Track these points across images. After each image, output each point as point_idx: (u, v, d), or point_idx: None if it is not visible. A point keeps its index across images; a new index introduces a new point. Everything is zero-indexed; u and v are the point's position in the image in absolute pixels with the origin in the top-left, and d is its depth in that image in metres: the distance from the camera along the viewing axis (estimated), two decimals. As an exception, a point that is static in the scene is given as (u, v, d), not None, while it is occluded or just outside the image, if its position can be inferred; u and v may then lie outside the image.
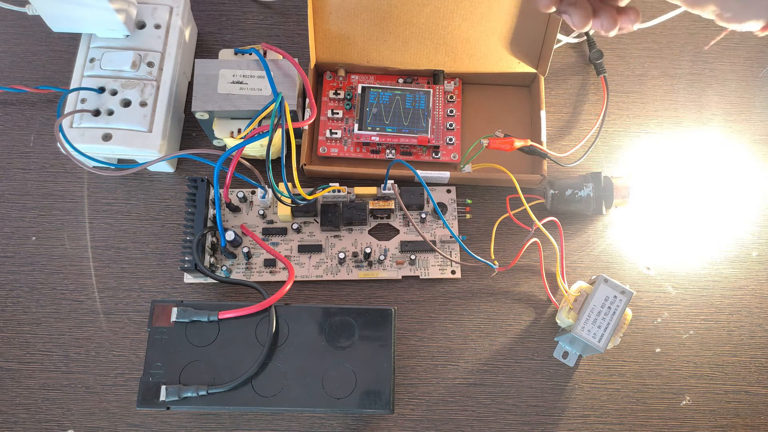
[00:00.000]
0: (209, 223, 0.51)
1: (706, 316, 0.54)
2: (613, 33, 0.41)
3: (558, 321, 0.51)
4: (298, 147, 0.54)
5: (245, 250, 0.51)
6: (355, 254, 0.53)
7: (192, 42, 0.58)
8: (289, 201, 0.50)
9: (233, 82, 0.50)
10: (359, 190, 0.53)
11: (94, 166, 0.51)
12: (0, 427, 0.49)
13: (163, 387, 0.44)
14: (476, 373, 0.51)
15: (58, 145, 0.49)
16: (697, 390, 0.52)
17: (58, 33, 0.55)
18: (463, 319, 0.52)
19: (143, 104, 0.51)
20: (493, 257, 0.52)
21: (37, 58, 0.59)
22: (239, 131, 0.51)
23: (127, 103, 0.51)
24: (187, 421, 0.49)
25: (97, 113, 0.51)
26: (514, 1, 0.52)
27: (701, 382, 0.52)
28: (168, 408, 0.44)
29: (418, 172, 0.52)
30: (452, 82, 0.57)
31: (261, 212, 0.53)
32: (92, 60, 0.53)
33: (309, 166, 0.54)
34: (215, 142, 0.55)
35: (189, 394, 0.44)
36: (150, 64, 0.52)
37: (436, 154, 0.55)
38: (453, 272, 0.53)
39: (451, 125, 0.56)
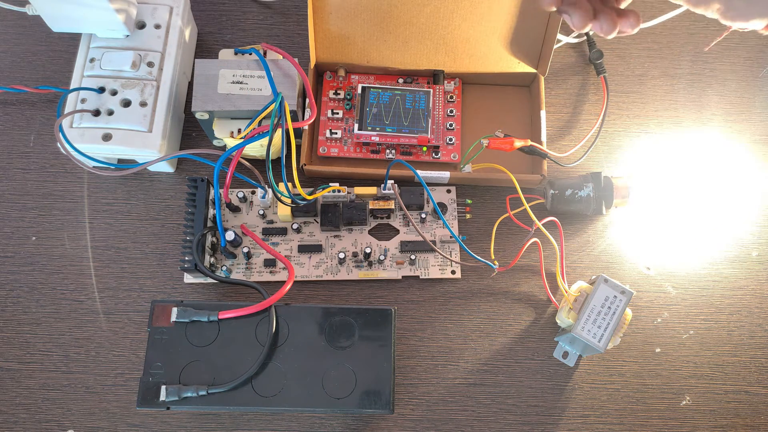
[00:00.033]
0: (209, 223, 0.51)
1: (706, 316, 0.54)
2: (611, 36, 0.41)
3: (558, 321, 0.51)
4: (298, 147, 0.54)
5: (245, 250, 0.51)
6: (355, 254, 0.53)
7: (192, 42, 0.58)
8: (289, 201, 0.50)
9: (233, 82, 0.50)
10: (359, 190, 0.53)
11: (94, 166, 0.51)
12: (0, 427, 0.49)
13: (163, 387, 0.44)
14: (476, 373, 0.51)
15: (58, 145, 0.49)
16: (697, 390, 0.52)
17: (58, 33, 0.55)
18: (463, 319, 0.52)
19: (143, 104, 0.51)
20: (493, 257, 0.52)
21: (37, 58, 0.59)
22: (239, 131, 0.51)
23: (127, 103, 0.51)
24: (187, 421, 0.49)
25: (97, 113, 0.51)
26: (514, 1, 0.52)
27: (701, 382, 0.52)
28: (168, 408, 0.44)
29: (418, 172, 0.52)
30: (452, 82, 0.57)
31: (261, 212, 0.53)
32: (92, 60, 0.53)
33: (309, 166, 0.54)
34: (215, 142, 0.55)
35: (189, 394, 0.44)
36: (150, 64, 0.52)
37: (436, 154, 0.55)
38: (453, 272, 0.53)
39: (451, 125, 0.56)
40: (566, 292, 0.50)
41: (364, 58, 0.56)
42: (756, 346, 0.53)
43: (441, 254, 0.52)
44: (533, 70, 0.56)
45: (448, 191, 0.55)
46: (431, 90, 0.56)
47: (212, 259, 0.52)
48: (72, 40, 0.58)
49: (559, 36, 0.59)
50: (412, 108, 0.55)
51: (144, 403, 0.44)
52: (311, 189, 0.51)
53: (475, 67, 0.56)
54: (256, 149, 0.52)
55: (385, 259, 0.53)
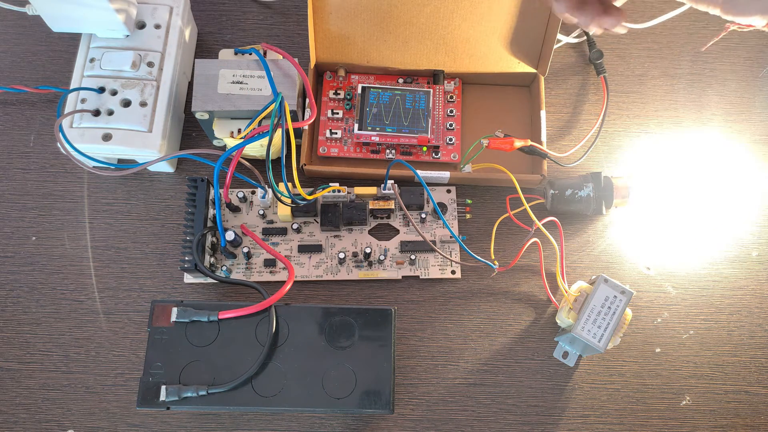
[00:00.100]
0: (209, 223, 0.51)
1: (706, 316, 0.54)
2: (593, 30, 0.41)
3: (558, 321, 0.51)
4: (298, 147, 0.54)
5: (245, 250, 0.51)
6: (355, 254, 0.53)
7: (192, 42, 0.58)
8: (289, 201, 0.50)
9: (233, 82, 0.50)
10: (359, 190, 0.53)
11: (94, 166, 0.51)
12: (0, 427, 0.49)
13: (163, 387, 0.44)
14: (476, 373, 0.51)
15: (58, 145, 0.49)
16: (697, 390, 0.52)
17: (58, 33, 0.55)
18: (463, 319, 0.52)
19: (143, 104, 0.51)
20: (493, 257, 0.52)
21: (37, 58, 0.59)
22: (239, 131, 0.51)
23: (127, 103, 0.52)
24: (187, 421, 0.49)
25: (97, 113, 0.51)
26: (514, 1, 0.52)
27: (701, 382, 0.52)
28: (168, 408, 0.44)
29: (418, 172, 0.52)
30: (452, 82, 0.57)
31: (261, 212, 0.53)
32: (92, 60, 0.53)
33: (309, 166, 0.54)
34: (215, 142, 0.55)
35: (189, 394, 0.44)
36: (150, 64, 0.52)
37: (436, 154, 0.55)
38: (453, 272, 0.53)
39: (451, 125, 0.56)
40: (566, 292, 0.50)
41: (364, 58, 0.56)
42: (756, 346, 0.53)
43: (441, 254, 0.52)
44: (533, 70, 0.56)
45: (448, 191, 0.55)
46: (431, 90, 0.56)
47: (212, 259, 0.52)
48: (72, 40, 0.58)
49: (559, 36, 0.59)
50: (412, 108, 0.55)
51: (144, 403, 0.44)
52: (311, 189, 0.51)
53: (475, 67, 0.56)
54: (256, 149, 0.52)
55: (385, 259, 0.53)
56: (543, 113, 0.55)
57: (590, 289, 0.49)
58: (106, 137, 0.51)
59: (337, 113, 0.56)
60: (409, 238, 0.54)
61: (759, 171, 0.58)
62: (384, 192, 0.53)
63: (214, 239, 0.52)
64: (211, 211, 0.52)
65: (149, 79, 0.52)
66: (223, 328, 0.46)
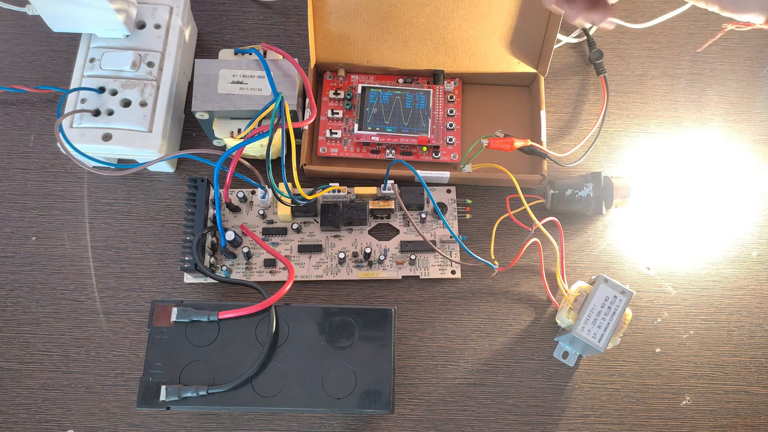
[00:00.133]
0: (209, 223, 0.51)
1: (706, 316, 0.54)
2: (580, 23, 0.42)
3: (558, 321, 0.51)
4: (298, 147, 0.54)
5: (245, 250, 0.51)
6: (355, 254, 0.53)
7: (192, 42, 0.58)
8: (289, 201, 0.50)
9: (233, 82, 0.50)
10: (359, 190, 0.53)
11: (94, 166, 0.51)
12: (0, 427, 0.49)
13: (163, 387, 0.44)
14: (476, 373, 0.51)
15: (58, 145, 0.49)
16: (697, 390, 0.52)
17: (58, 33, 0.55)
18: (463, 319, 0.52)
19: (143, 104, 0.51)
20: (493, 257, 0.52)
21: (37, 58, 0.59)
22: (239, 131, 0.51)
23: (127, 103, 0.51)
24: (187, 421, 0.49)
25: (97, 113, 0.51)
26: (514, 1, 0.52)
27: (701, 382, 0.52)
28: (168, 408, 0.44)
29: (418, 172, 0.52)
30: (452, 82, 0.57)
31: (261, 212, 0.53)
32: (92, 60, 0.53)
33: (309, 166, 0.54)
34: (215, 142, 0.55)
35: (189, 394, 0.44)
36: (150, 64, 0.52)
37: (436, 154, 0.55)
38: (453, 272, 0.53)
39: (451, 125, 0.56)
40: (566, 292, 0.50)
41: (364, 58, 0.56)
42: (756, 346, 0.53)
43: (441, 254, 0.52)
44: (533, 70, 0.56)
45: (448, 191, 0.55)
46: (431, 90, 0.56)
47: (212, 259, 0.52)
48: (72, 40, 0.58)
49: (559, 36, 0.59)
50: (412, 108, 0.55)
51: (144, 403, 0.44)
52: (311, 189, 0.51)
53: (475, 67, 0.56)
54: (256, 149, 0.52)
55: (385, 259, 0.53)
56: (543, 113, 0.55)
57: (590, 289, 0.49)
58: (106, 137, 0.51)
59: (337, 113, 0.56)
60: (409, 238, 0.54)
61: (759, 171, 0.58)
62: (384, 192, 0.53)
63: (214, 239, 0.52)
64: (211, 211, 0.52)
65: (149, 79, 0.52)
66: (223, 328, 0.46)
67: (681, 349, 0.53)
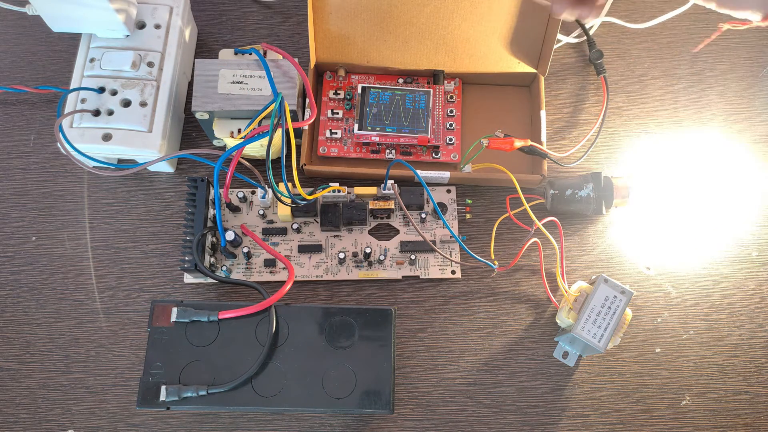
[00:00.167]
0: (209, 223, 0.51)
1: (706, 316, 0.54)
2: (566, 18, 0.42)
3: (558, 321, 0.51)
4: (298, 147, 0.54)
5: (245, 250, 0.51)
6: (355, 254, 0.53)
7: (192, 42, 0.58)
8: (289, 201, 0.50)
9: (233, 82, 0.50)
10: (359, 190, 0.53)
11: (94, 166, 0.51)
12: (0, 427, 0.49)
13: (163, 387, 0.44)
14: (476, 373, 0.51)
15: (58, 145, 0.49)
16: (697, 390, 0.52)
17: (58, 33, 0.55)
18: (463, 319, 0.52)
19: (143, 104, 0.51)
20: (493, 257, 0.52)
21: (37, 58, 0.59)
22: (239, 131, 0.51)
23: (127, 103, 0.52)
24: (187, 421, 0.49)
25: (97, 113, 0.51)
26: (514, 1, 0.52)
27: (701, 382, 0.52)
28: (168, 408, 0.44)
29: (418, 172, 0.52)
30: (452, 82, 0.57)
31: (261, 212, 0.53)
32: (92, 60, 0.53)
33: (309, 166, 0.54)
34: (215, 142, 0.55)
35: (189, 394, 0.44)
36: (150, 64, 0.52)
37: (436, 154, 0.55)
38: (453, 272, 0.53)
39: (451, 125, 0.56)
40: (566, 292, 0.50)
41: (364, 58, 0.56)
42: (756, 346, 0.53)
43: (441, 254, 0.52)
44: (533, 70, 0.56)
45: (448, 191, 0.55)
46: (431, 90, 0.56)
47: (212, 259, 0.52)
48: (72, 40, 0.58)
49: (559, 36, 0.59)
50: (412, 108, 0.55)
51: (144, 403, 0.44)
52: (311, 189, 0.51)
53: (475, 67, 0.56)
54: (256, 149, 0.52)
55: (385, 259, 0.53)
56: (543, 113, 0.55)
57: (590, 289, 0.49)
58: (106, 137, 0.51)
59: (337, 113, 0.56)
60: (409, 238, 0.54)
61: (759, 171, 0.58)
62: (384, 192, 0.53)
63: (214, 239, 0.52)
64: (211, 211, 0.52)
65: (149, 79, 0.52)
66: (223, 328, 0.46)
67: (681, 349, 0.53)
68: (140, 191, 0.55)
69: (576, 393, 0.51)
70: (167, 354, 0.45)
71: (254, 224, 0.53)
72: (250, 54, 0.53)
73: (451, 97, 0.57)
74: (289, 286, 0.46)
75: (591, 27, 0.60)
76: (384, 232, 0.54)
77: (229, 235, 0.50)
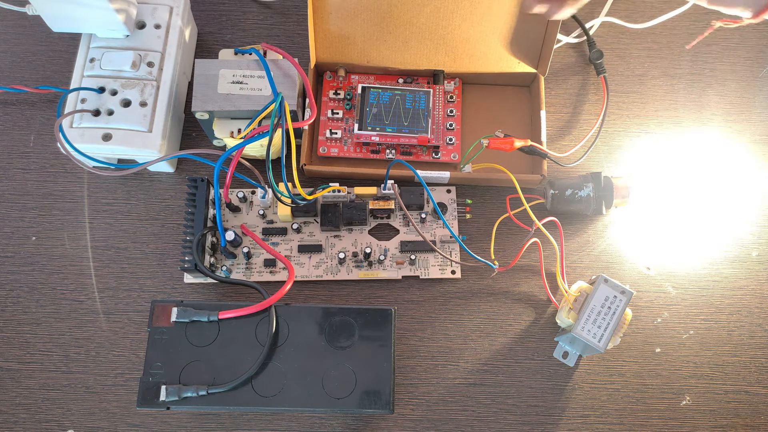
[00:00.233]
0: (209, 223, 0.51)
1: (706, 316, 0.54)
2: (537, 12, 0.42)
3: (558, 321, 0.51)
4: (298, 147, 0.54)
5: (245, 250, 0.51)
6: (355, 254, 0.53)
7: (192, 42, 0.58)
8: (289, 201, 0.50)
9: (233, 82, 0.50)
10: (359, 190, 0.53)
11: (94, 166, 0.51)
12: (0, 427, 0.49)
13: (163, 387, 0.44)
14: (476, 373, 0.51)
15: (58, 145, 0.49)
16: (697, 390, 0.52)
17: (58, 33, 0.55)
18: (463, 319, 0.52)
19: (143, 104, 0.51)
20: (493, 257, 0.52)
21: (37, 58, 0.59)
22: (239, 131, 0.51)
23: (127, 103, 0.51)
24: (187, 421, 0.49)
25: (97, 113, 0.51)
26: (514, 1, 0.52)
27: (701, 382, 0.52)
28: (168, 408, 0.44)
29: (418, 172, 0.52)
30: (452, 82, 0.57)
31: (261, 212, 0.53)
32: (92, 60, 0.53)
33: (309, 166, 0.54)
34: (215, 142, 0.55)
35: (189, 394, 0.44)
36: (150, 64, 0.52)
37: (436, 154, 0.55)
38: (453, 272, 0.53)
39: (451, 125, 0.56)
40: (566, 292, 0.50)
41: (364, 58, 0.56)
42: (756, 346, 0.53)
43: (441, 254, 0.52)
44: (533, 70, 0.56)
45: (448, 191, 0.55)
46: (431, 90, 0.56)
47: (212, 259, 0.52)
48: (72, 40, 0.58)
49: (559, 36, 0.59)
50: (412, 108, 0.55)
51: (144, 403, 0.44)
52: (311, 189, 0.51)
53: (475, 67, 0.56)
54: (256, 149, 0.52)
55: (385, 259, 0.53)
56: (543, 113, 0.55)
57: (590, 289, 0.49)
58: (106, 137, 0.51)
59: (337, 113, 0.56)
60: (409, 238, 0.54)
61: (759, 171, 0.58)
62: (384, 192, 0.53)
63: (214, 239, 0.52)
64: (211, 211, 0.52)
65: (149, 79, 0.52)
66: (223, 328, 0.46)
67: (681, 349, 0.53)
68: (140, 191, 0.55)
69: (576, 393, 0.51)
70: (167, 354, 0.45)
71: (254, 224, 0.53)
72: (250, 54, 0.53)
73: (451, 97, 0.57)
74: (289, 286, 0.46)
75: (591, 27, 0.60)
76: (384, 232, 0.54)
77: (229, 235, 0.50)
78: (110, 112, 0.51)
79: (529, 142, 0.52)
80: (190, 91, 0.57)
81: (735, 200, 0.57)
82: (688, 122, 0.59)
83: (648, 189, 0.55)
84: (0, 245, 0.53)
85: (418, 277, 0.53)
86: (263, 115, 0.49)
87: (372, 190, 0.53)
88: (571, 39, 0.60)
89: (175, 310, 0.46)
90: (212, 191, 0.51)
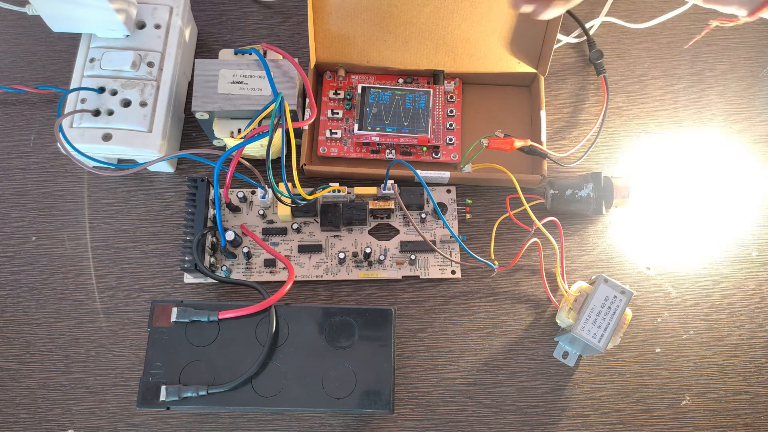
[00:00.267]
0: (209, 223, 0.51)
1: (706, 316, 0.54)
2: (524, 11, 0.42)
3: (558, 321, 0.51)
4: (298, 147, 0.54)
5: (245, 250, 0.51)
6: (355, 254, 0.53)
7: (192, 42, 0.58)
8: (289, 201, 0.50)
9: (233, 82, 0.50)
10: (359, 190, 0.53)
11: (94, 166, 0.51)
12: (0, 427, 0.49)
13: (163, 387, 0.44)
14: (476, 373, 0.51)
15: (58, 145, 0.49)
16: (697, 390, 0.52)
17: (58, 33, 0.55)
18: (463, 319, 0.52)
19: (143, 104, 0.51)
20: (493, 257, 0.52)
21: (37, 58, 0.59)
22: (239, 131, 0.51)
23: (127, 103, 0.51)
24: (187, 421, 0.49)
25: (97, 113, 0.51)
26: (514, 1, 0.52)
27: (701, 382, 0.52)
28: (168, 408, 0.44)
29: (418, 172, 0.52)
30: (452, 82, 0.57)
31: (261, 212, 0.53)
32: (92, 60, 0.53)
33: (309, 166, 0.54)
34: (215, 142, 0.55)
35: (189, 394, 0.44)
36: (150, 64, 0.52)
37: (436, 154, 0.55)
38: (453, 272, 0.53)
39: (451, 125, 0.56)
40: (566, 292, 0.49)
41: (364, 58, 0.56)
42: (756, 346, 0.53)
43: (441, 254, 0.52)
44: (533, 70, 0.56)
45: (448, 191, 0.55)
46: (431, 90, 0.56)
47: (212, 259, 0.52)
48: (72, 40, 0.58)
49: (559, 36, 0.59)
50: (412, 108, 0.55)
51: (144, 403, 0.44)
52: (311, 189, 0.51)
53: (475, 67, 0.56)
54: (256, 149, 0.52)
55: (385, 259, 0.53)
56: (543, 113, 0.55)
57: (590, 289, 0.49)
58: (106, 137, 0.51)
59: (337, 113, 0.56)
60: (409, 238, 0.54)
61: (759, 171, 0.58)
62: (384, 192, 0.53)
63: (214, 239, 0.52)
64: (211, 211, 0.52)
65: (149, 79, 0.52)
66: (223, 328, 0.46)
67: (681, 349, 0.53)
68: (140, 191, 0.55)
69: (576, 393, 0.51)
70: (167, 354, 0.45)
71: (254, 224, 0.53)
72: (250, 54, 0.53)
73: (451, 97, 0.57)
74: (289, 286, 0.46)
75: (591, 27, 0.60)
76: (384, 232, 0.54)
77: (229, 235, 0.50)
78: (110, 112, 0.51)
79: (529, 142, 0.52)
80: (190, 91, 0.57)
81: (735, 200, 0.57)
82: (688, 122, 0.59)
83: (648, 189, 0.55)
84: (0, 245, 0.53)
85: (418, 277, 0.53)
86: (263, 115, 0.49)
87: (372, 190, 0.53)
88: (571, 39, 0.60)
89: (175, 310, 0.46)
90: (212, 191, 0.52)
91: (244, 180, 0.51)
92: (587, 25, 0.60)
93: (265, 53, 0.52)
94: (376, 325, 0.47)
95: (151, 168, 0.55)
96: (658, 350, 0.52)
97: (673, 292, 0.54)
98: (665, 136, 0.59)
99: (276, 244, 0.53)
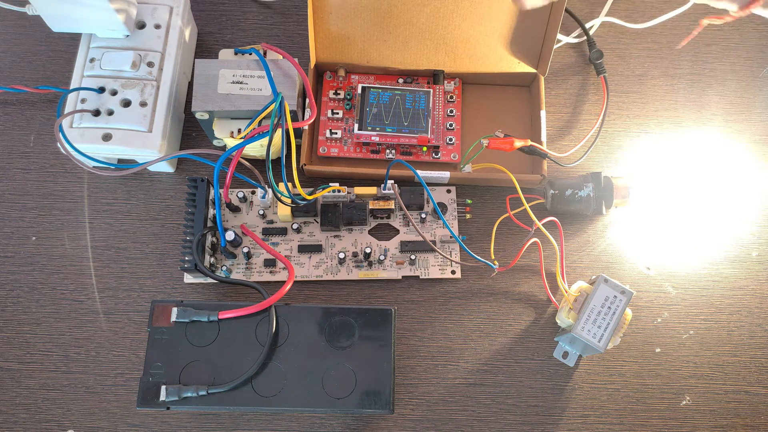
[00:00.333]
0: (209, 223, 0.51)
1: (706, 316, 0.54)
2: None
3: (558, 321, 0.51)
4: (298, 147, 0.54)
5: (245, 250, 0.51)
6: (355, 254, 0.53)
7: (192, 42, 0.58)
8: (289, 201, 0.50)
9: (233, 82, 0.50)
10: (359, 190, 0.53)
11: (94, 166, 0.51)
12: (0, 427, 0.49)
13: (163, 387, 0.44)
14: (476, 373, 0.51)
15: (58, 145, 0.49)
16: (697, 390, 0.52)
17: (58, 33, 0.55)
18: (463, 319, 0.52)
19: (143, 104, 0.51)
20: (493, 257, 0.52)
21: (37, 58, 0.59)
22: (239, 131, 0.51)
23: (127, 103, 0.52)
24: (187, 421, 0.49)
25: (97, 113, 0.51)
26: (514, 1, 0.52)
27: (701, 382, 0.52)
28: (168, 408, 0.44)
29: (418, 172, 0.52)
30: (452, 82, 0.57)
31: (261, 212, 0.53)
32: (92, 60, 0.53)
33: (309, 166, 0.54)
34: (215, 142, 0.55)
35: (189, 394, 0.44)
36: (150, 64, 0.52)
37: (436, 154, 0.55)
38: (453, 272, 0.53)
39: (451, 125, 0.56)
40: (566, 292, 0.49)
41: (364, 58, 0.56)
42: (756, 346, 0.53)
43: (441, 254, 0.52)
44: (533, 70, 0.56)
45: (448, 191, 0.55)
46: (431, 90, 0.56)
47: (212, 259, 0.52)
48: (72, 40, 0.58)
49: (559, 36, 0.59)
50: (412, 108, 0.55)
51: (144, 403, 0.44)
52: (311, 189, 0.51)
53: (475, 67, 0.56)
54: (256, 149, 0.52)
55: (385, 259, 0.53)
56: (543, 113, 0.55)
57: (590, 289, 0.49)
58: (106, 137, 0.51)
59: (337, 113, 0.56)
60: (409, 238, 0.54)
61: (759, 171, 0.58)
62: (384, 192, 0.53)
63: (214, 239, 0.52)
64: (211, 211, 0.52)
65: (149, 79, 0.52)
66: (223, 328, 0.46)
67: (681, 349, 0.53)
68: (140, 191, 0.55)
69: (576, 393, 0.51)
70: (167, 354, 0.45)
71: (254, 224, 0.53)
72: (250, 54, 0.53)
73: (451, 97, 0.57)
74: (289, 286, 0.46)
75: (591, 27, 0.60)
76: (384, 232, 0.54)
77: (229, 235, 0.50)
78: (110, 112, 0.51)
79: (529, 142, 0.52)
80: (190, 91, 0.57)
81: (735, 200, 0.57)
82: (688, 122, 0.59)
83: (648, 189, 0.55)
84: (0, 245, 0.53)
85: (418, 277, 0.53)
86: (263, 115, 0.49)
87: (372, 190, 0.53)
88: (571, 39, 0.60)
89: (175, 310, 0.46)
90: (212, 191, 0.52)
91: (244, 180, 0.51)
92: (587, 25, 0.60)
93: (265, 53, 0.52)
94: (376, 325, 0.47)
95: (151, 168, 0.55)
96: (658, 350, 0.52)
97: (673, 292, 0.54)
98: (665, 136, 0.59)
99: (276, 244, 0.53)
